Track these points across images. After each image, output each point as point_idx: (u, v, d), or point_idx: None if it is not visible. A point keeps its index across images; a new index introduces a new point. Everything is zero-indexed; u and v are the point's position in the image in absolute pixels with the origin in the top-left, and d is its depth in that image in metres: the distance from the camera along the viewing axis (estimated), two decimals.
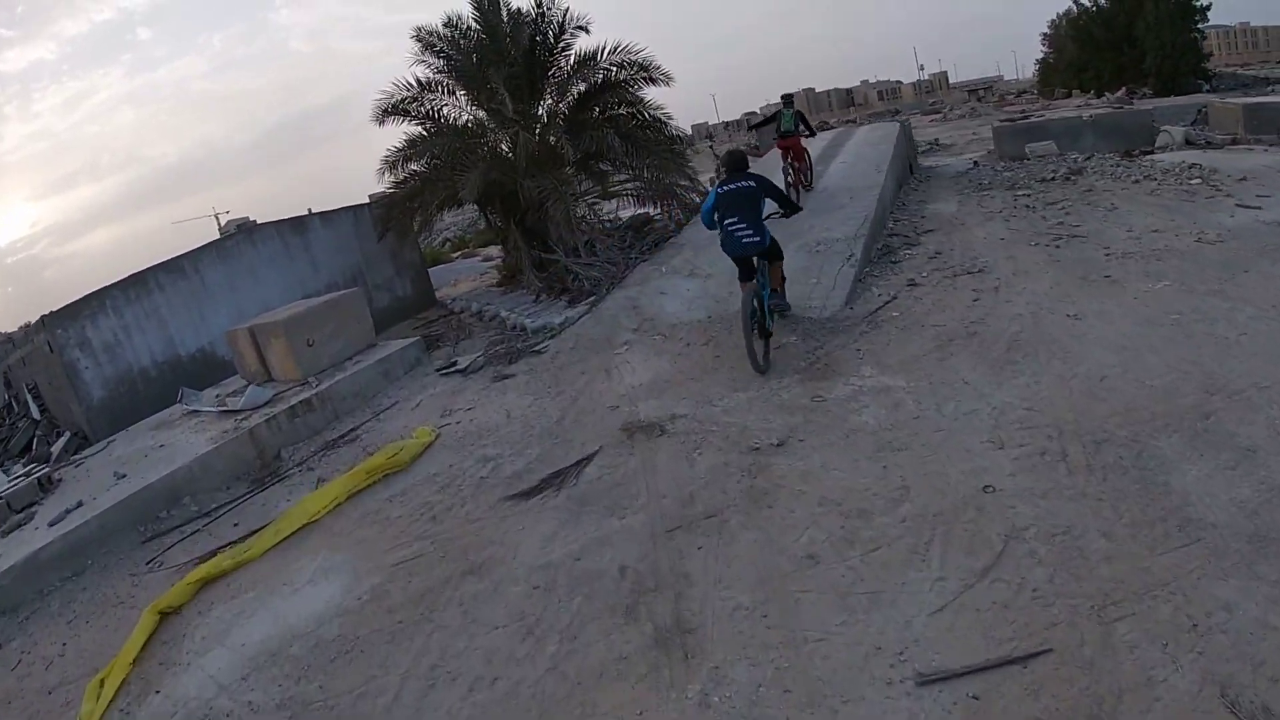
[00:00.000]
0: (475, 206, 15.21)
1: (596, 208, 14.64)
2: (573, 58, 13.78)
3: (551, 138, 13.38)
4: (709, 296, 9.72)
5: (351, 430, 8.68)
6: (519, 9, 13.90)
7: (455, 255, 25.12)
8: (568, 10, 13.53)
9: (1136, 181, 13.38)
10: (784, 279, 7.95)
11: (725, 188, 7.28)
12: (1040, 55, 48.97)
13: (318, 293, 13.47)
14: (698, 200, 14.63)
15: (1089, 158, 16.27)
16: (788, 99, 14.48)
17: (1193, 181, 12.62)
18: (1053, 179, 14.52)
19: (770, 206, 7.46)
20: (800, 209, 8.11)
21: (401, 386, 9.66)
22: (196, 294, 12.89)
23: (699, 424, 6.40)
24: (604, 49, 13.50)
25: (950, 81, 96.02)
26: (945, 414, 5.79)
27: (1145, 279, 8.10)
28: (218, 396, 10.25)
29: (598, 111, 14.03)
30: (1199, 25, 34.98)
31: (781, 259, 7.79)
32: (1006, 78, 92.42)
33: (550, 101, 14.02)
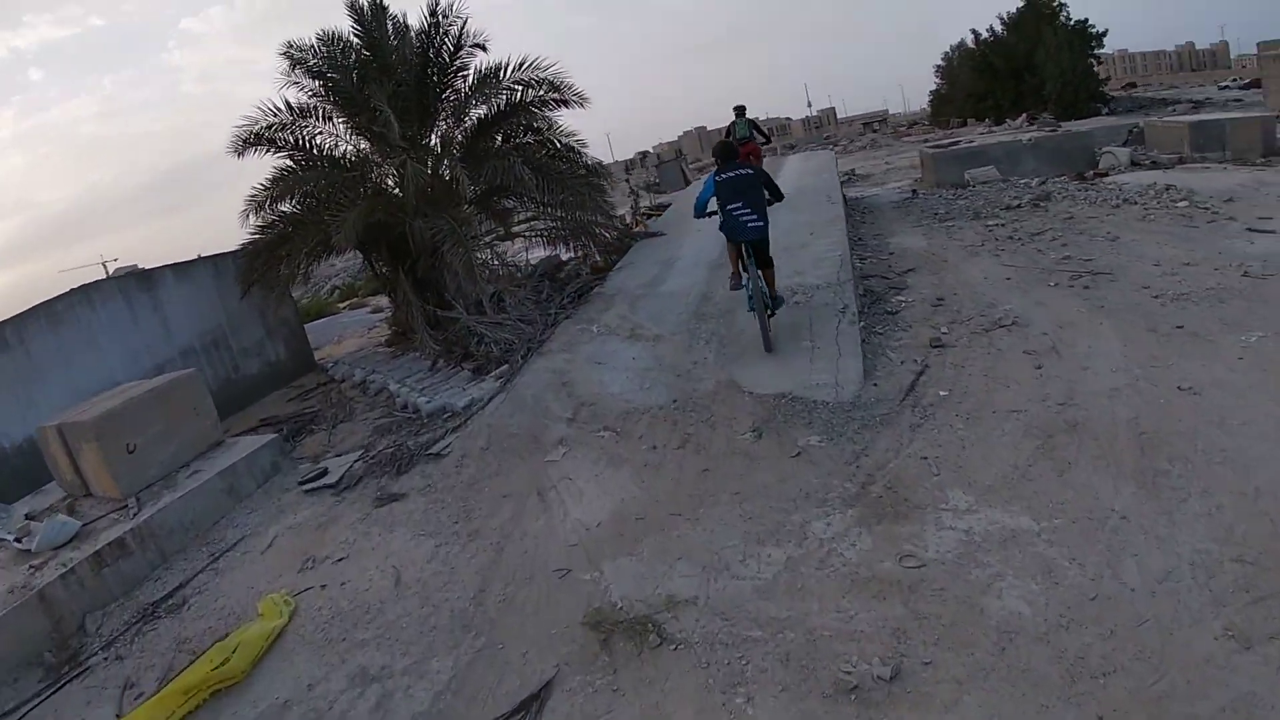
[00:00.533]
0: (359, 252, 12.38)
1: (502, 251, 12.03)
2: (471, 76, 11.20)
3: (446, 170, 10.79)
4: (664, 368, 7.28)
5: (179, 588, 5.83)
6: (407, 22, 11.35)
7: (343, 305, 21.91)
8: (466, 21, 10.96)
9: (1116, 206, 11.77)
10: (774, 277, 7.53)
11: (724, 175, 7.17)
12: (934, 87, 48.98)
13: (171, 363, 10.47)
14: (613, 239, 12.65)
15: (1044, 182, 14.69)
16: (740, 109, 13.74)
17: (1179, 204, 11.09)
18: (1018, 206, 12.78)
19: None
20: (783, 197, 7.67)
21: (252, 509, 6.82)
22: (21, 370, 9.62)
23: (724, 621, 3.75)
24: (508, 65, 11.01)
25: (839, 117, 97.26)
26: (1131, 584, 3.45)
27: (1228, 329, 6.23)
28: (28, 517, 7.20)
29: (501, 139, 11.49)
30: (1095, 51, 35.00)
31: (773, 265, 7.38)
32: (893, 111, 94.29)
33: (445, 127, 11.37)
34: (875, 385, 6.08)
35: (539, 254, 13.28)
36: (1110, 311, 7.00)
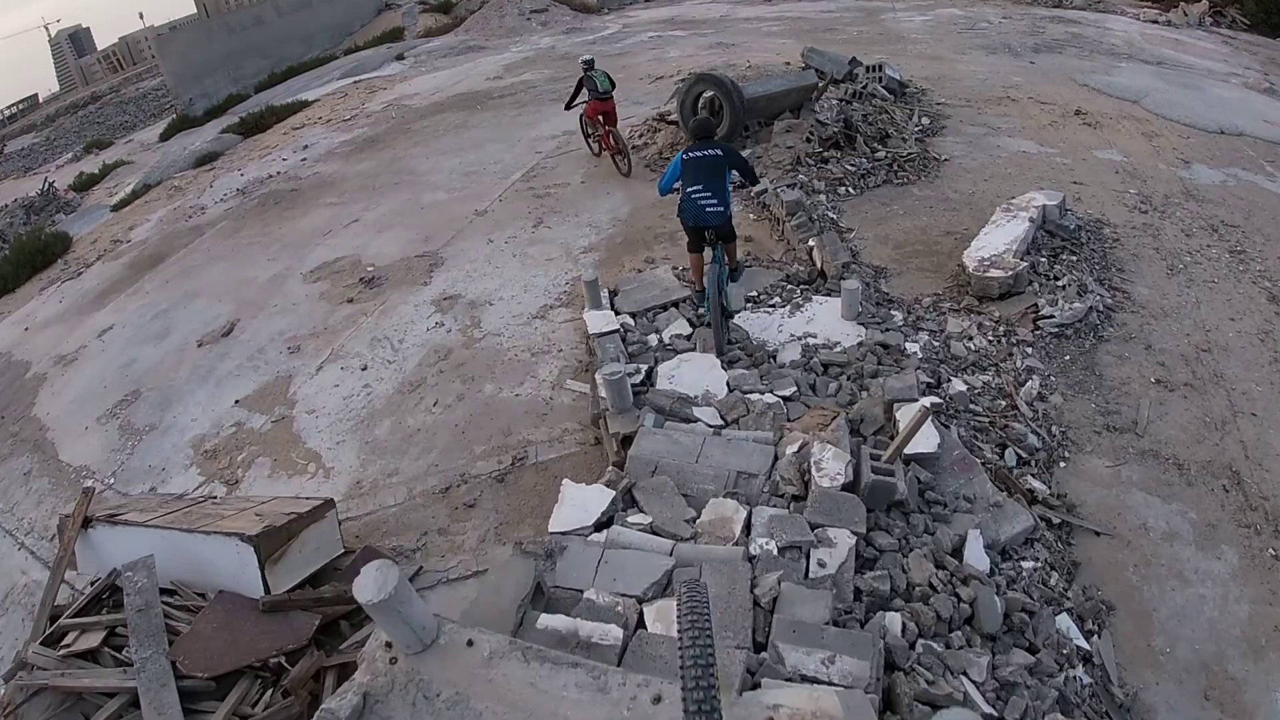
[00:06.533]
0: None
1: None
2: None
3: None
4: None
5: None
6: None
7: None
8: None
9: None
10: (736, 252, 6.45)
11: (691, 154, 5.95)
12: None
13: None
14: None
15: None
16: (589, 62, 9.85)
17: None
18: None
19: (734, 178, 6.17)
20: (759, 180, 7.23)
21: None
22: None
23: None
24: None
25: None
26: None
27: None
28: None
29: None
30: None
31: (735, 239, 6.26)
32: None
33: None
34: None
35: None
36: None
